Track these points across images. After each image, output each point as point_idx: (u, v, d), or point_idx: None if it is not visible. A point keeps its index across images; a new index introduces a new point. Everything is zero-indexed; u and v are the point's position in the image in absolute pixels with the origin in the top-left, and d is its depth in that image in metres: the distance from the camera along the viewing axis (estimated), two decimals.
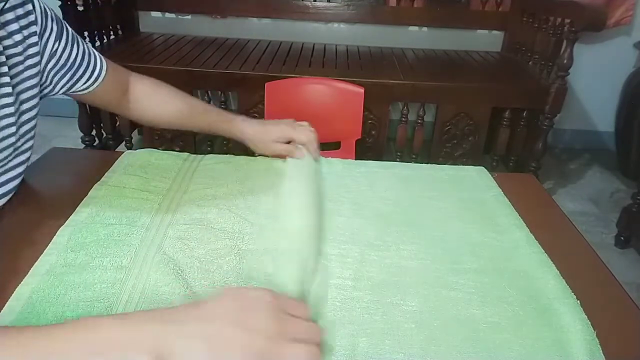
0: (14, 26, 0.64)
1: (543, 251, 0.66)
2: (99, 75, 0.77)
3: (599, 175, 2.47)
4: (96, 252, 0.60)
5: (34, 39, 0.67)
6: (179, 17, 2.50)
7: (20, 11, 0.65)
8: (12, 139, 0.65)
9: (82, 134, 2.06)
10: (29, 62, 0.67)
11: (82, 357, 0.37)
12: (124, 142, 2.14)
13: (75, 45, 0.74)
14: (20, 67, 0.66)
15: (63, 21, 0.74)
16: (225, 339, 0.39)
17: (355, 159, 0.85)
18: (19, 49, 0.65)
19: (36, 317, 0.50)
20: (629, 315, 0.58)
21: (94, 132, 2.12)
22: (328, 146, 1.52)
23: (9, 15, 0.64)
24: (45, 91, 0.74)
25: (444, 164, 0.90)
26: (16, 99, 0.66)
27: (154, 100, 0.86)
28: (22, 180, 0.72)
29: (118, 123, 2.11)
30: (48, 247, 0.60)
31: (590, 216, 2.10)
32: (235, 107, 2.04)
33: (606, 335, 0.53)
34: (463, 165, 0.90)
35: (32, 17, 0.67)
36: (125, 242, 0.62)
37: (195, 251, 0.62)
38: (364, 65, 2.06)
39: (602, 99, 2.57)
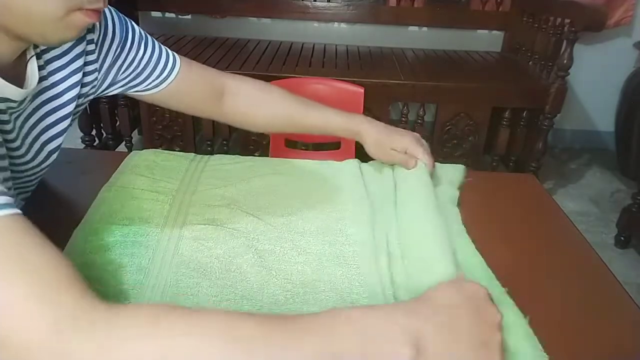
0: (65, 45, 0.60)
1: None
2: (167, 76, 0.72)
3: (599, 175, 2.47)
4: (114, 253, 0.60)
5: (91, 46, 0.64)
6: (179, 17, 2.49)
7: None
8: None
9: (82, 134, 2.06)
10: (89, 68, 0.64)
11: (345, 348, 0.37)
12: (124, 142, 2.15)
13: (142, 47, 0.70)
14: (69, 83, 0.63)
15: (129, 21, 0.70)
16: (463, 327, 0.41)
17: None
18: (74, 65, 0.61)
19: None
20: (629, 315, 0.58)
21: (94, 132, 2.12)
22: (328, 146, 1.52)
23: None
24: (100, 92, 0.71)
25: (444, 164, 0.90)
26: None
27: (260, 104, 0.80)
28: None
29: (118, 123, 2.11)
30: (65, 249, 0.60)
31: (590, 216, 2.10)
32: None
33: (606, 335, 0.53)
34: (464, 165, 0.89)
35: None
36: (142, 244, 0.62)
37: (213, 251, 0.62)
38: (364, 65, 2.06)
39: (602, 99, 2.57)
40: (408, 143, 0.79)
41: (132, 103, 2.06)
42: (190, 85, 0.75)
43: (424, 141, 0.82)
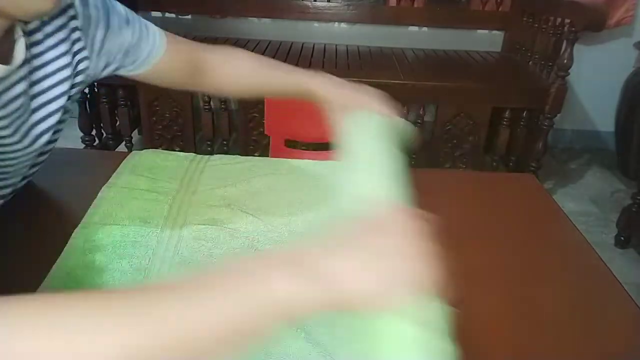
0: (50, 29, 0.60)
1: None
2: (154, 56, 0.73)
3: (599, 175, 2.47)
4: (114, 253, 0.60)
5: (77, 34, 0.64)
6: (179, 17, 2.49)
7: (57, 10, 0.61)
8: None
9: (82, 134, 2.06)
10: (79, 56, 0.65)
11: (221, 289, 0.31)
12: (124, 142, 2.15)
13: (128, 30, 0.70)
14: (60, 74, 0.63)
15: (113, 4, 0.70)
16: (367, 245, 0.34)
17: None
18: (60, 49, 0.62)
19: None
20: (629, 315, 0.58)
21: (94, 132, 2.12)
22: (327, 146, 1.52)
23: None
24: (96, 77, 0.71)
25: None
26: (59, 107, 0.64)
27: (227, 69, 0.81)
28: (29, 181, 0.72)
29: (118, 123, 2.11)
30: (65, 249, 0.60)
31: (590, 216, 2.10)
32: (236, 107, 2.04)
33: (606, 335, 0.53)
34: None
35: (71, 12, 0.63)
36: (142, 244, 0.62)
37: (212, 251, 0.62)
38: (364, 65, 2.06)
39: (602, 99, 2.57)
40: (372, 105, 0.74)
41: (132, 103, 2.06)
42: (174, 63, 0.75)
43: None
